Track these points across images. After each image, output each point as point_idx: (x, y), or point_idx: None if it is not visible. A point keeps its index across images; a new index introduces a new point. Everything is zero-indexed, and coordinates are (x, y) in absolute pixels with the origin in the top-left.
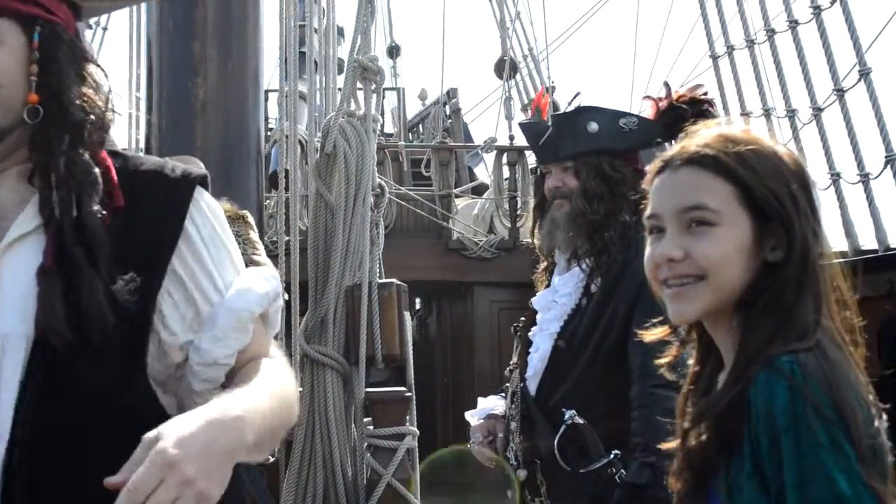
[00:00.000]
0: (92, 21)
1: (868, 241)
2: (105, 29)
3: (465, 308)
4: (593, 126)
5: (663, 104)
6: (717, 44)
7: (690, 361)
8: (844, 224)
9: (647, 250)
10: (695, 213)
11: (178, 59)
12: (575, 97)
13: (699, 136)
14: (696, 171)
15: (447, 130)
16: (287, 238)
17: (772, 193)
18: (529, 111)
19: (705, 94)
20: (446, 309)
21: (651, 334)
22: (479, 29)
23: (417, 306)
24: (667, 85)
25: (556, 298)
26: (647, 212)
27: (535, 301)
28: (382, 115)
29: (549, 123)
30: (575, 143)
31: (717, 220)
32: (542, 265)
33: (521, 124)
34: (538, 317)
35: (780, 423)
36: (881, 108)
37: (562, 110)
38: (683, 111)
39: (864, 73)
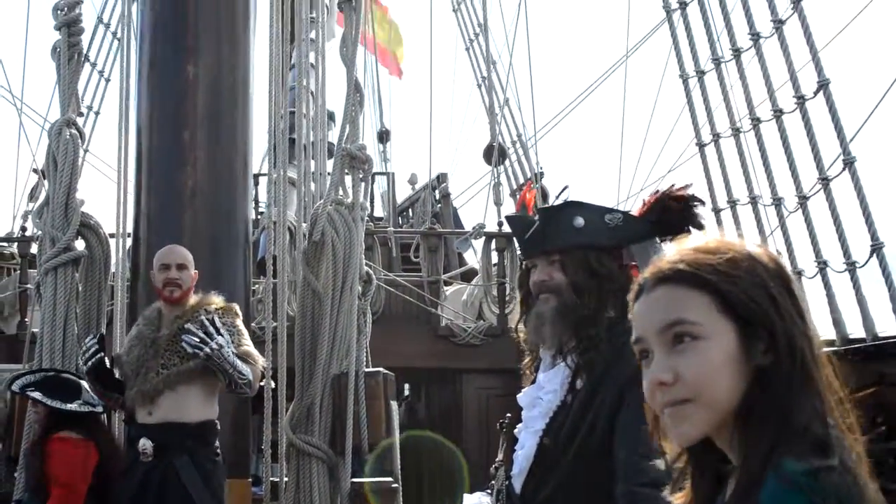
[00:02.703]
0: (84, 106)
1: (856, 330)
2: (97, 113)
3: (454, 394)
4: (579, 221)
5: (650, 201)
6: (703, 131)
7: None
8: (832, 312)
9: (643, 379)
10: (676, 329)
11: (168, 147)
12: (563, 191)
13: (670, 254)
14: (669, 288)
15: (436, 216)
16: (274, 324)
17: (749, 298)
18: (516, 205)
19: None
20: (435, 395)
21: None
22: (469, 114)
23: (406, 392)
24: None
25: (541, 395)
26: (633, 337)
27: (521, 398)
28: (372, 199)
29: (536, 217)
30: (562, 236)
31: (699, 332)
32: (527, 359)
33: (507, 217)
34: (523, 414)
35: None
36: (866, 197)
37: (550, 202)
38: (668, 206)
39: (849, 163)
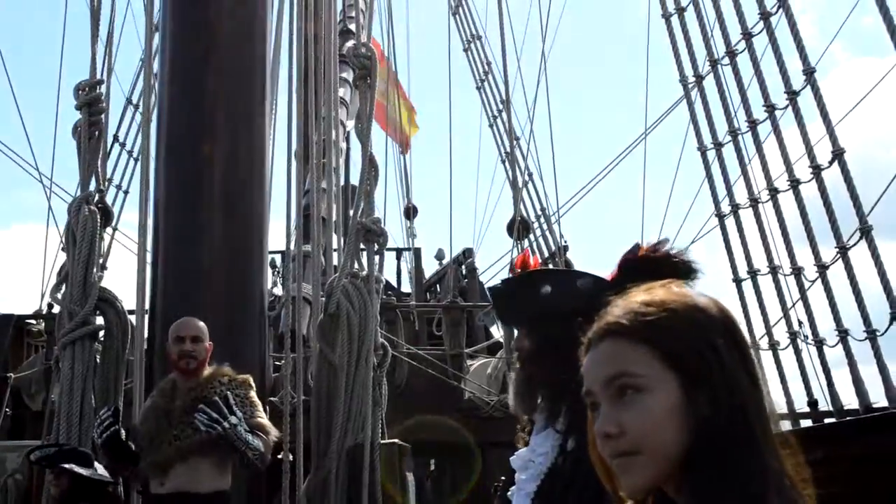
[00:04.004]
0: (113, 186)
1: (878, 398)
2: (126, 192)
3: (479, 468)
4: (546, 288)
5: (621, 263)
6: (722, 203)
7: None
8: (854, 382)
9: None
10: (619, 381)
11: (185, 223)
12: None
13: (616, 307)
14: (613, 342)
15: (462, 290)
16: (294, 399)
17: (690, 350)
18: (510, 270)
19: (678, 253)
20: (458, 469)
21: None
22: (495, 189)
23: (432, 467)
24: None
25: (532, 458)
26: (583, 390)
27: (513, 460)
28: (399, 274)
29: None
30: (526, 306)
31: (642, 384)
32: (523, 425)
33: (489, 289)
34: (516, 476)
35: None
36: (884, 264)
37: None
38: (639, 268)
39: (866, 231)
